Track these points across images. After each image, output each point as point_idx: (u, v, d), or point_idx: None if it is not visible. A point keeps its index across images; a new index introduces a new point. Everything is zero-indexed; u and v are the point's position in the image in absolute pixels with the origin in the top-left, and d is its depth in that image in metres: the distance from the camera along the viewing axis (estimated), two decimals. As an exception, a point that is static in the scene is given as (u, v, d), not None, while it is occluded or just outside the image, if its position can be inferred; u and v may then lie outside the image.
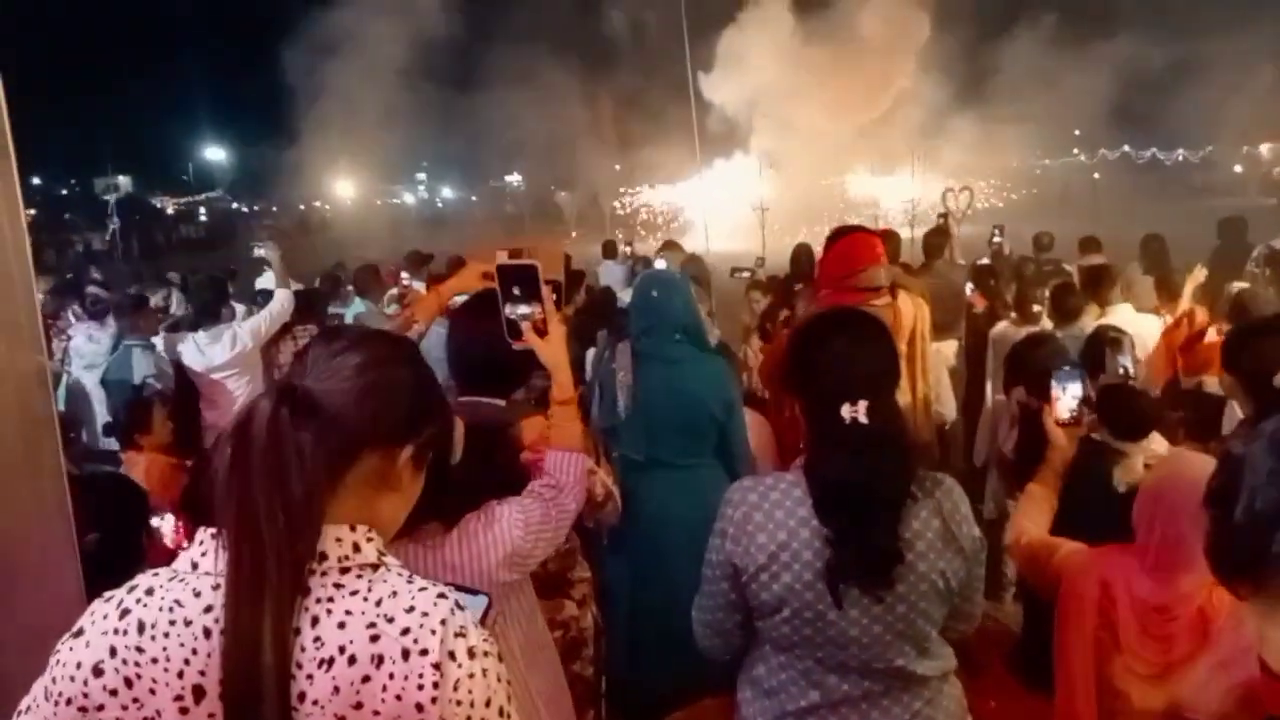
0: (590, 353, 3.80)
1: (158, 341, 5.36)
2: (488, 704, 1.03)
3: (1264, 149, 33.18)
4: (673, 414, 2.94)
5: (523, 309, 1.85)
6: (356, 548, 1.07)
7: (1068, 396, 2.28)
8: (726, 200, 23.09)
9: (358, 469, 1.09)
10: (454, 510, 1.64)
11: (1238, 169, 33.08)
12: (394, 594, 1.04)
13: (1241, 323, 2.71)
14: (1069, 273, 6.43)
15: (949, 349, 5.75)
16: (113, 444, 4.10)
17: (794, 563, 1.60)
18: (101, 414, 5.50)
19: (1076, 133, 34.18)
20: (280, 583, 0.99)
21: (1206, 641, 1.70)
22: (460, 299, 2.24)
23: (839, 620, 1.60)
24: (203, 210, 48.38)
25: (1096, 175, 33.43)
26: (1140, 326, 4.09)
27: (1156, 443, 2.83)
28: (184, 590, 1.05)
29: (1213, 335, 3.84)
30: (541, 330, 1.85)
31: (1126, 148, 32.28)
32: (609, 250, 10.74)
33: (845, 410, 1.54)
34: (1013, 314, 5.35)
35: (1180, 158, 32.60)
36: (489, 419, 1.95)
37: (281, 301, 5.06)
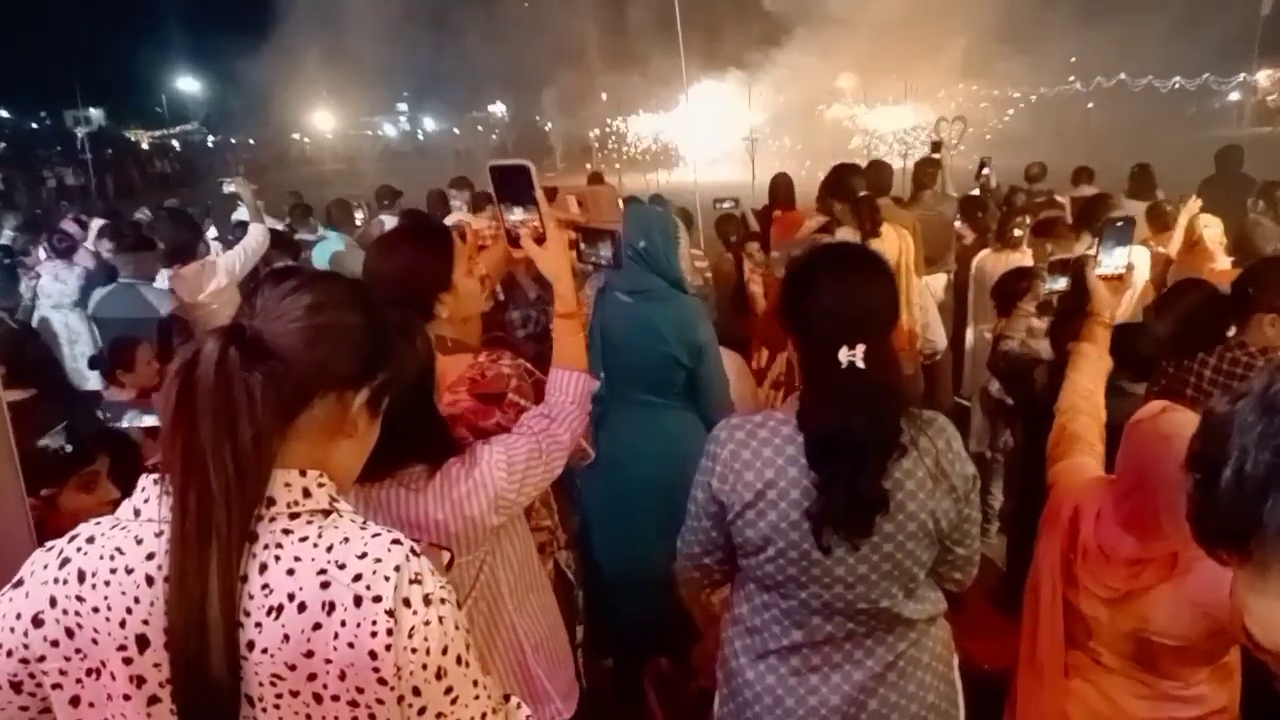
0: None
1: (160, 280, 5.18)
2: (444, 651, 1.00)
3: (1261, 76, 32.72)
4: (635, 352, 2.83)
5: (518, 215, 1.73)
6: (307, 493, 1.03)
7: (1113, 252, 2.23)
8: (715, 132, 22.71)
9: (310, 413, 1.05)
10: (439, 451, 1.57)
11: (1234, 97, 32.68)
12: (346, 540, 1.00)
13: (1268, 258, 2.66)
14: (1060, 204, 6.33)
15: (938, 283, 5.69)
16: (94, 382, 4.05)
17: (780, 501, 1.56)
18: (75, 354, 5.43)
19: (1073, 60, 33.58)
20: (228, 529, 0.96)
21: (1173, 571, 1.66)
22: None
23: (824, 560, 1.57)
24: (177, 143, 47.24)
25: (1091, 105, 32.98)
26: (1134, 257, 4.02)
27: None
28: (125, 538, 1.01)
29: (1224, 262, 3.81)
30: (540, 237, 1.74)
31: (1123, 75, 31.69)
32: (594, 183, 10.57)
33: (843, 354, 1.48)
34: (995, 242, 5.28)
35: (1177, 85, 32.09)
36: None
37: (256, 237, 4.93)
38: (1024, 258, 4.65)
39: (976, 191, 7.27)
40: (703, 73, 26.48)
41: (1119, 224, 2.26)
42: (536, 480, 1.65)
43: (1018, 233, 4.93)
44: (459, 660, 1.02)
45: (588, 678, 2.43)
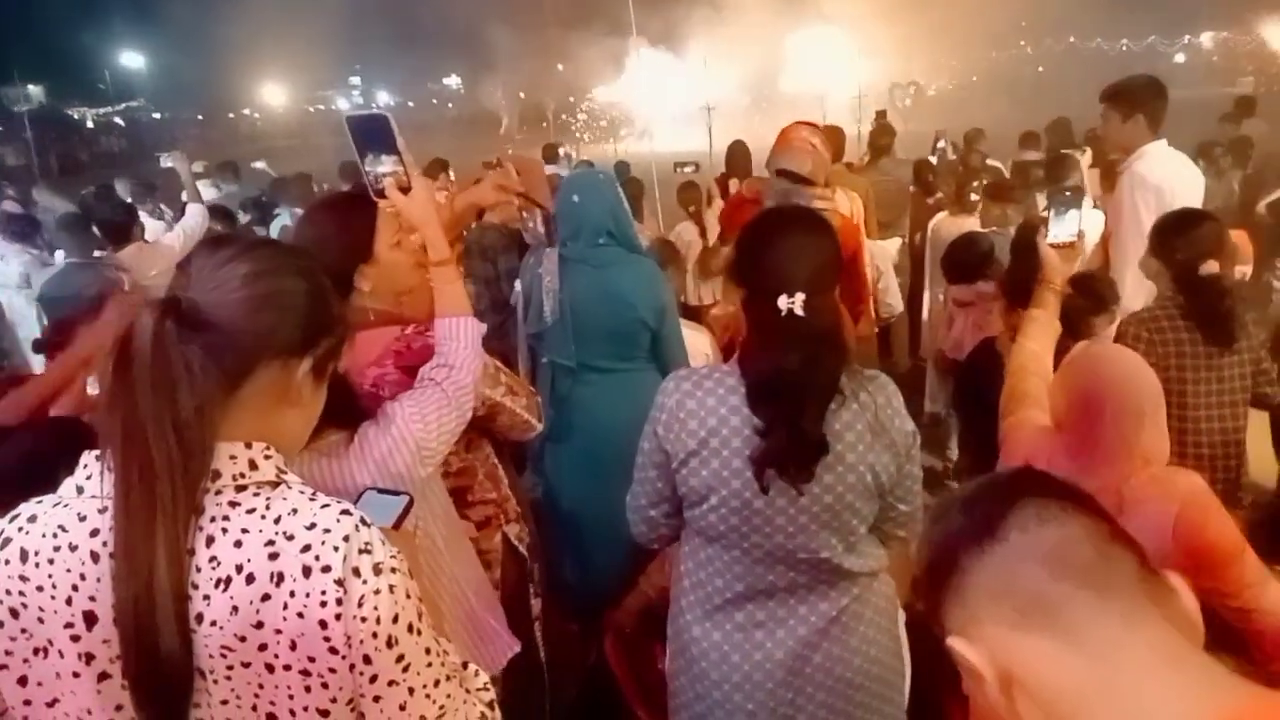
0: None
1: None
2: (395, 620, 1.01)
3: (1205, 38, 33.25)
4: (600, 318, 2.87)
5: (383, 166, 1.73)
6: (253, 465, 1.03)
7: (1062, 220, 2.29)
8: (671, 100, 22.59)
9: (253, 384, 1.04)
10: (352, 417, 1.58)
11: (1179, 59, 33.18)
12: (294, 511, 1.01)
13: (1172, 212, 2.71)
14: (998, 169, 6.47)
15: (893, 246, 5.76)
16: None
17: (723, 449, 1.61)
18: (18, 337, 5.31)
19: (1023, 24, 33.85)
20: (173, 503, 0.96)
21: (1120, 516, 1.72)
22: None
23: (765, 508, 1.61)
24: (122, 120, 45.84)
25: (1041, 68, 33.29)
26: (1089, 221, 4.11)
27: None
28: (68, 515, 1.01)
29: None
30: (405, 186, 1.73)
31: (1072, 39, 32.06)
32: (549, 154, 10.49)
33: (782, 301, 1.54)
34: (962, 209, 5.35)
35: (1125, 48, 32.51)
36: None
37: (195, 216, 4.82)
38: (978, 221, 4.74)
39: (931, 157, 7.34)
40: (659, 41, 26.28)
41: (1067, 192, 2.32)
42: (452, 427, 1.66)
43: (973, 197, 5.02)
44: (410, 628, 1.02)
45: (548, 646, 2.47)
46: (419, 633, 1.04)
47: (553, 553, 2.79)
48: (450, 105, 44.43)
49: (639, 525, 1.83)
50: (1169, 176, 3.22)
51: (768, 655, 1.71)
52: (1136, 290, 3.06)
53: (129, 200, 6.45)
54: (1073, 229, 2.29)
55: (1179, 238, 2.53)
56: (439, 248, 1.76)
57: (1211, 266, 2.47)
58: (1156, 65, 32.95)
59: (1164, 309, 2.57)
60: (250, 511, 1.00)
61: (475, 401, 1.76)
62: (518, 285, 3.34)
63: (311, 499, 1.03)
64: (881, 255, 4.68)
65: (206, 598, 0.97)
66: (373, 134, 1.71)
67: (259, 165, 5.33)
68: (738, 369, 1.64)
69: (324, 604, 0.97)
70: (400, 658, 1.02)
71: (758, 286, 1.61)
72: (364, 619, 0.98)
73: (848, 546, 1.69)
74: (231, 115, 45.62)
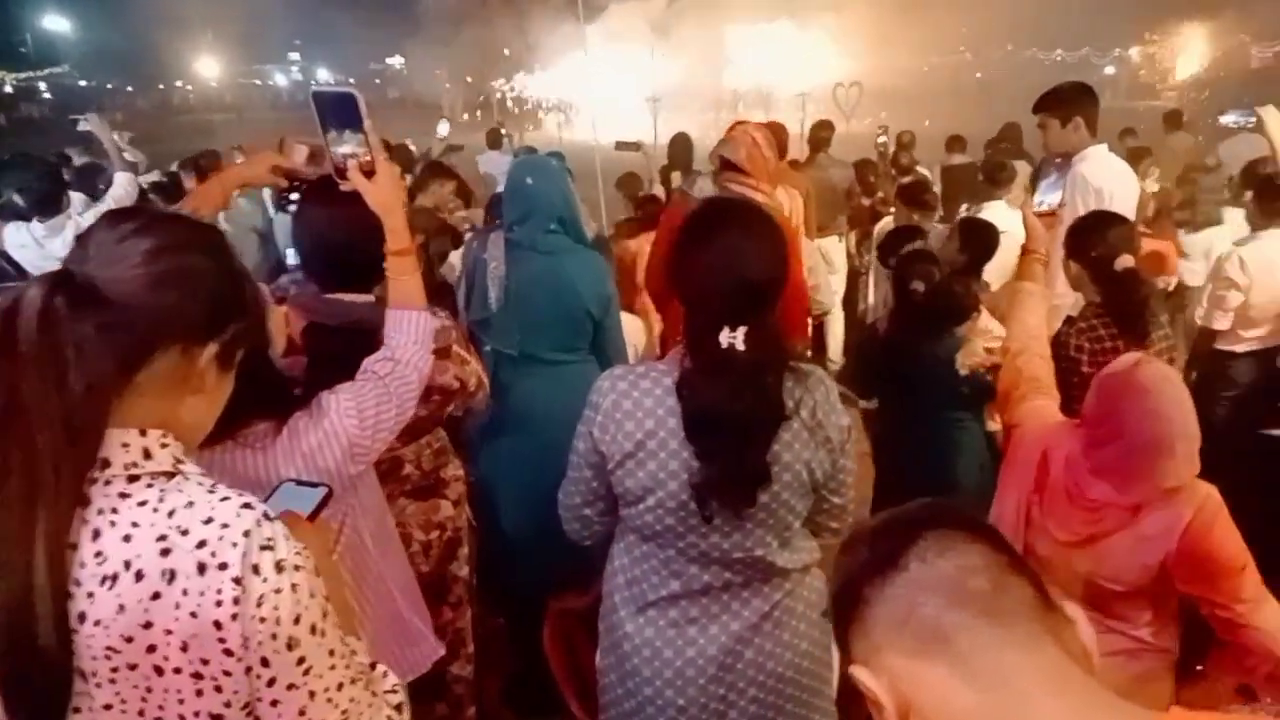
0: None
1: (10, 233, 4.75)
2: (297, 621, 0.95)
3: (1133, 52, 34.47)
4: (547, 307, 2.82)
5: (347, 146, 1.66)
6: (147, 454, 0.96)
7: (1049, 189, 2.46)
8: (618, 91, 22.53)
9: (152, 367, 0.97)
10: (282, 407, 1.51)
11: (1109, 71, 34.34)
12: (190, 504, 0.95)
13: (1083, 215, 2.80)
14: (925, 176, 6.62)
15: (829, 244, 5.82)
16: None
17: (660, 451, 1.58)
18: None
19: (964, 30, 34.63)
20: (56, 492, 0.89)
21: (1133, 519, 1.77)
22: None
23: (701, 516, 1.59)
24: (44, 87, 43.83)
25: (979, 74, 34.12)
26: (1013, 222, 4.20)
27: (988, 322, 2.99)
28: None
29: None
30: (369, 170, 1.67)
31: (1010, 47, 32.97)
32: (493, 139, 10.34)
33: (724, 337, 1.49)
34: (892, 209, 5.45)
35: (1059, 58, 33.52)
36: (364, 320, 1.78)
37: (123, 185, 4.56)
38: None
39: (875, 158, 7.43)
40: (607, 31, 26.15)
41: (1057, 160, 2.41)
42: (390, 425, 1.60)
43: (928, 197, 5.12)
44: (313, 629, 0.97)
45: (477, 636, 2.45)
46: (322, 634, 0.98)
47: (485, 544, 2.74)
48: (393, 86, 43.53)
49: (572, 524, 1.80)
50: (1110, 179, 3.29)
51: (700, 651, 1.70)
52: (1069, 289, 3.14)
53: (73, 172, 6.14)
54: (1055, 197, 2.40)
55: (1093, 236, 2.61)
56: (400, 236, 1.70)
57: (1126, 261, 2.55)
58: (1089, 76, 34.13)
59: (1098, 316, 2.64)
60: (142, 504, 0.94)
61: (418, 400, 1.70)
62: (454, 265, 3.27)
63: (210, 491, 0.97)
64: (815, 254, 4.73)
65: (90, 595, 0.91)
66: (339, 111, 1.63)
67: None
68: (675, 371, 1.59)
69: (220, 603, 0.92)
70: (301, 660, 0.97)
71: (696, 311, 1.56)
72: (263, 619, 0.93)
73: (782, 543, 1.68)
74: (163, 86, 43.99)
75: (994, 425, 3.02)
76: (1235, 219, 4.76)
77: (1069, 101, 3.33)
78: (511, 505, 2.88)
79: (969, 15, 32.72)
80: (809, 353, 5.13)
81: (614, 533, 1.81)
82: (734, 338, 1.48)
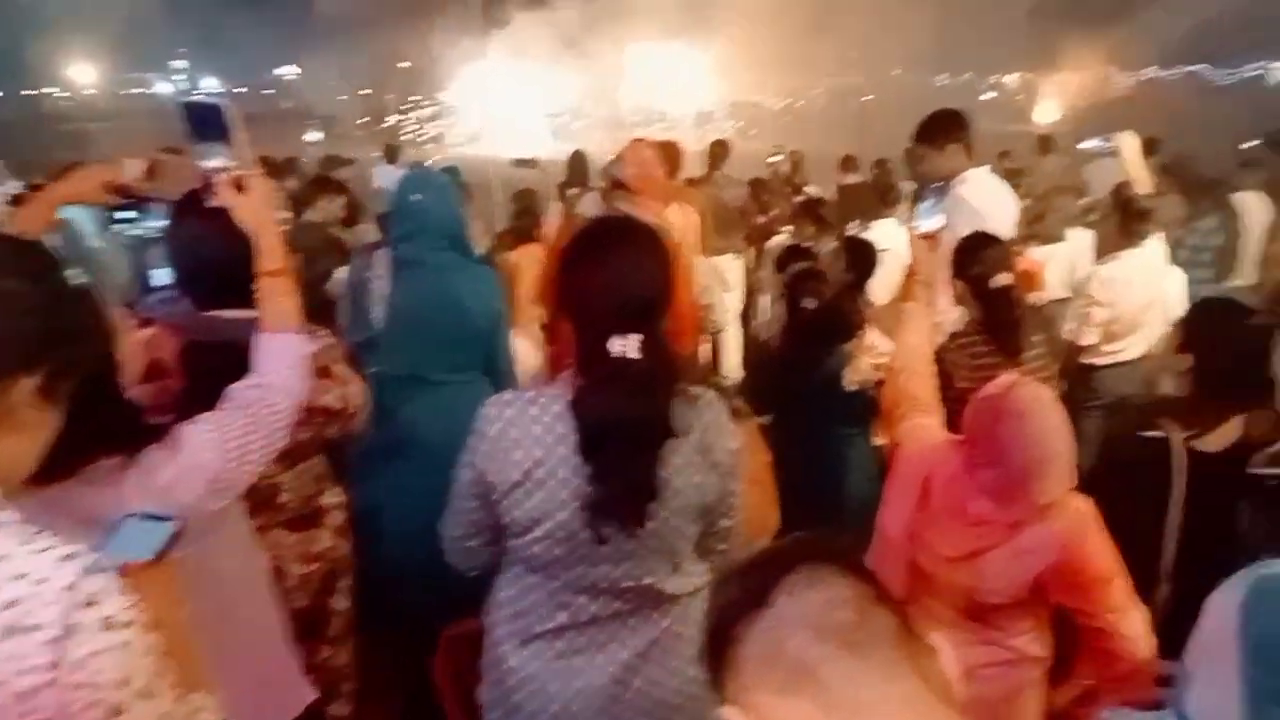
0: None
1: None
2: (126, 684, 0.87)
3: (1010, 79, 36.46)
4: (436, 326, 2.74)
5: (217, 160, 1.58)
6: None
7: (929, 212, 2.61)
8: (519, 106, 22.46)
9: None
10: (131, 440, 1.41)
11: (987, 96, 36.17)
12: (2, 558, 0.85)
13: (965, 235, 2.92)
14: (810, 194, 6.85)
15: (726, 261, 5.89)
16: None
17: (549, 479, 1.53)
18: None
19: (853, 54, 35.88)
20: None
21: (1012, 534, 1.83)
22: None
23: (592, 538, 1.55)
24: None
25: (868, 97, 35.43)
26: (901, 239, 4.33)
27: (874, 338, 3.11)
28: None
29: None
30: (240, 185, 1.59)
31: (897, 72, 34.43)
32: (390, 153, 10.15)
33: (615, 345, 1.46)
34: (789, 228, 5.57)
35: (945, 82, 35.17)
36: (246, 337, 1.66)
37: None
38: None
39: (767, 176, 7.60)
40: (505, 48, 26.03)
41: (937, 186, 2.53)
42: (257, 455, 1.52)
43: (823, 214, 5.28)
44: (144, 693, 0.89)
45: (360, 670, 2.35)
46: (152, 695, 0.90)
47: (369, 573, 2.64)
48: (285, 97, 42.17)
49: (455, 555, 1.74)
50: (988, 200, 3.43)
51: (588, 683, 1.65)
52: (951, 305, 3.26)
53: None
54: (936, 221, 2.48)
55: (972, 255, 2.75)
56: (275, 255, 1.61)
57: (1004, 279, 2.68)
58: (969, 101, 35.87)
59: (978, 331, 2.75)
60: None
61: (300, 423, 1.62)
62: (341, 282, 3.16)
63: (25, 542, 0.88)
64: (710, 271, 4.78)
65: None
66: (206, 123, 1.56)
67: None
68: (564, 395, 1.55)
69: (30, 670, 0.83)
70: None
71: (585, 323, 1.52)
72: (81, 685, 0.84)
73: (673, 569, 1.66)
74: (33, 92, 41.50)
75: (881, 440, 3.11)
76: (1076, 237, 5.06)
77: (945, 129, 3.45)
78: (397, 532, 2.78)
79: (857, 40, 33.93)
80: (710, 369, 5.19)
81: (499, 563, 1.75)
82: (626, 346, 1.46)
